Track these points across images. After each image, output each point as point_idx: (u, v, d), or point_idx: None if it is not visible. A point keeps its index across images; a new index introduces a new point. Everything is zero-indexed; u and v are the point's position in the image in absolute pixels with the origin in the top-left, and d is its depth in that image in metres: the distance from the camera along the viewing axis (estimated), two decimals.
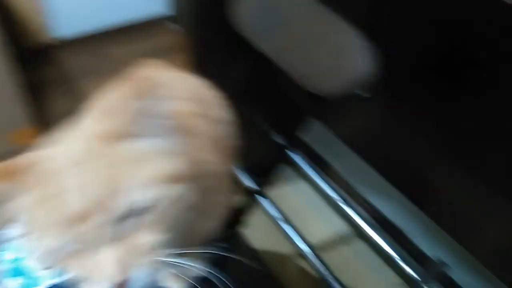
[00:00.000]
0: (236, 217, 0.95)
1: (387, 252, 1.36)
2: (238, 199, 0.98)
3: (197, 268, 0.53)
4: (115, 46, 2.27)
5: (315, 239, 1.54)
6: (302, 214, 1.62)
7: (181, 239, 0.50)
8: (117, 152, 0.46)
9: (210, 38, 1.18)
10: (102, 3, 2.22)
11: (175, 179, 0.48)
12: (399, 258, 1.33)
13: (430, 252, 1.38)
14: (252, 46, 0.85)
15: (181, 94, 0.62)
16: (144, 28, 2.37)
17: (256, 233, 1.56)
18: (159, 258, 0.47)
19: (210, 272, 0.53)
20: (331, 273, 1.28)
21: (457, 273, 1.27)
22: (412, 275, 1.26)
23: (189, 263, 0.50)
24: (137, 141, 0.47)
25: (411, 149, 1.02)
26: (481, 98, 0.84)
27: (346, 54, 0.68)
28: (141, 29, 2.36)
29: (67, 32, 2.19)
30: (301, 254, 1.38)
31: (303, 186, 1.71)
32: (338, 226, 1.58)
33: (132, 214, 0.45)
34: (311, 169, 1.62)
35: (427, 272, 1.24)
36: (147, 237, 0.47)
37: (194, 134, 0.57)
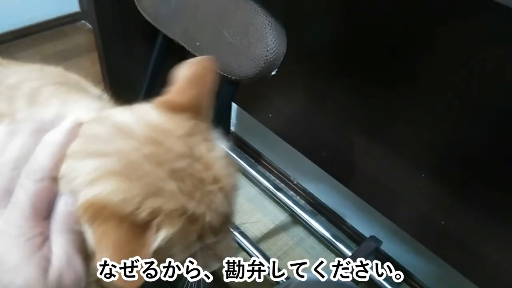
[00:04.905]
0: None
1: (323, 235, 1.39)
2: None
3: None
4: (23, 49, 2.13)
5: (254, 230, 1.54)
6: (239, 207, 1.61)
7: None
8: None
9: (118, 31, 1.13)
10: (5, 3, 2.06)
11: None
12: (335, 239, 1.36)
13: (364, 231, 1.43)
14: (161, 32, 0.82)
15: None
16: (54, 27, 2.24)
17: None
18: None
19: None
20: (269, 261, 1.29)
21: (388, 246, 1.32)
22: (347, 254, 1.30)
23: None
24: None
25: (331, 129, 1.05)
26: (395, 75, 0.87)
27: (255, 35, 0.67)
28: (51, 29, 2.23)
29: None
30: (241, 247, 1.37)
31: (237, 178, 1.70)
32: (276, 215, 1.59)
33: None
34: (243, 160, 1.62)
35: (361, 249, 1.28)
36: None
37: None
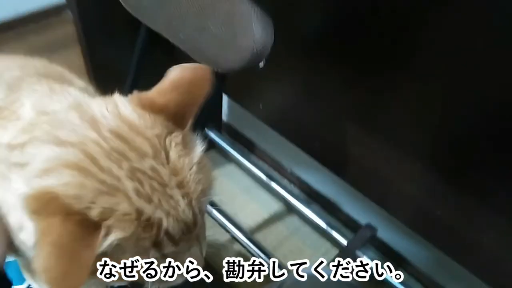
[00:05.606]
0: None
1: (318, 223, 1.38)
2: None
3: None
4: (8, 42, 2.06)
5: (249, 221, 1.52)
6: (233, 197, 1.60)
7: None
8: None
9: (100, 22, 1.10)
10: None
11: None
12: (330, 228, 1.35)
13: (360, 218, 1.42)
14: (144, 25, 0.79)
15: None
16: (39, 20, 2.18)
17: None
18: None
19: None
20: (265, 252, 1.28)
21: (384, 233, 1.32)
22: (342, 242, 1.29)
23: None
24: None
25: (323, 119, 1.03)
26: (391, 62, 0.85)
27: (241, 25, 0.64)
28: (36, 22, 2.17)
29: None
30: (235, 238, 1.36)
31: (231, 169, 1.68)
32: (270, 205, 1.57)
33: None
34: (237, 150, 1.59)
35: (357, 237, 1.27)
36: None
37: None
